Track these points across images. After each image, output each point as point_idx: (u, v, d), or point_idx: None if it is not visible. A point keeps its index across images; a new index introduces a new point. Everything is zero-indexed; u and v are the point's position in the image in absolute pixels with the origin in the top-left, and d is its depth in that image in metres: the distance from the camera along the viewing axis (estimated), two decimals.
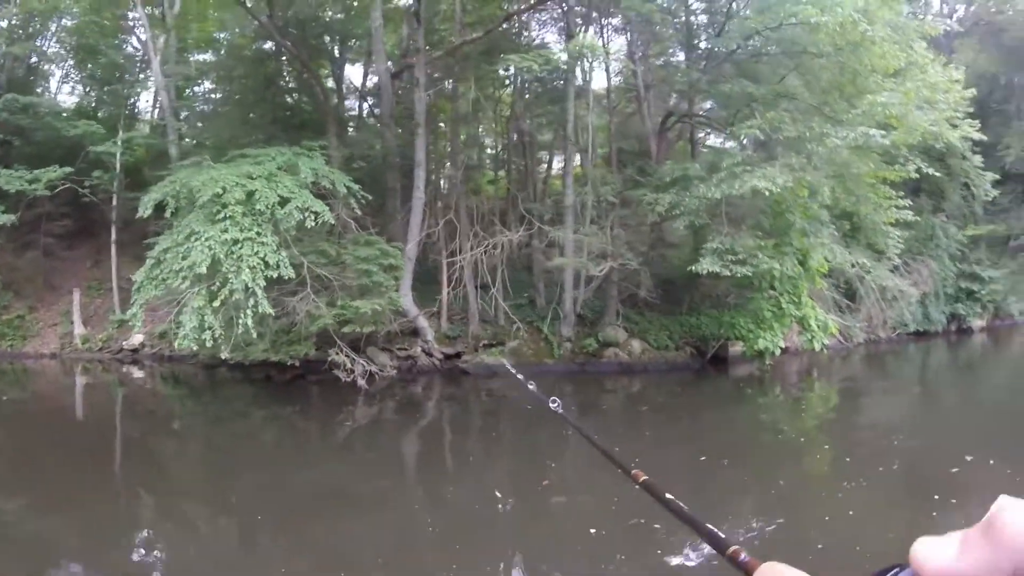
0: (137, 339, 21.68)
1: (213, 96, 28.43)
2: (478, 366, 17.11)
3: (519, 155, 21.56)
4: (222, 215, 11.59)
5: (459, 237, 17.42)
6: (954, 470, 9.10)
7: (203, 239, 11.31)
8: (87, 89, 29.95)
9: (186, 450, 12.35)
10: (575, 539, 7.35)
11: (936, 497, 8.03)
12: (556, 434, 12.84)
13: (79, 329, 22.39)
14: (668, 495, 1.34)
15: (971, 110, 16.95)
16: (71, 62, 30.19)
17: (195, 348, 11.90)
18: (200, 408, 16.73)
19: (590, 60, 17.49)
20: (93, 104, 29.02)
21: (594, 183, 17.09)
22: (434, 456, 11.73)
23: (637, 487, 1.47)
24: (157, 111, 30.07)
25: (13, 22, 26.28)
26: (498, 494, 8.90)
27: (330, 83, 22.00)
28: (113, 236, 23.18)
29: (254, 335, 11.85)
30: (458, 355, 17.46)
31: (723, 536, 1.05)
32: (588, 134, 18.25)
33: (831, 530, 7.13)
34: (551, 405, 2.15)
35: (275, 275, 11.61)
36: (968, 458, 9.51)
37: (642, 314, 18.65)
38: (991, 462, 9.31)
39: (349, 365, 14.27)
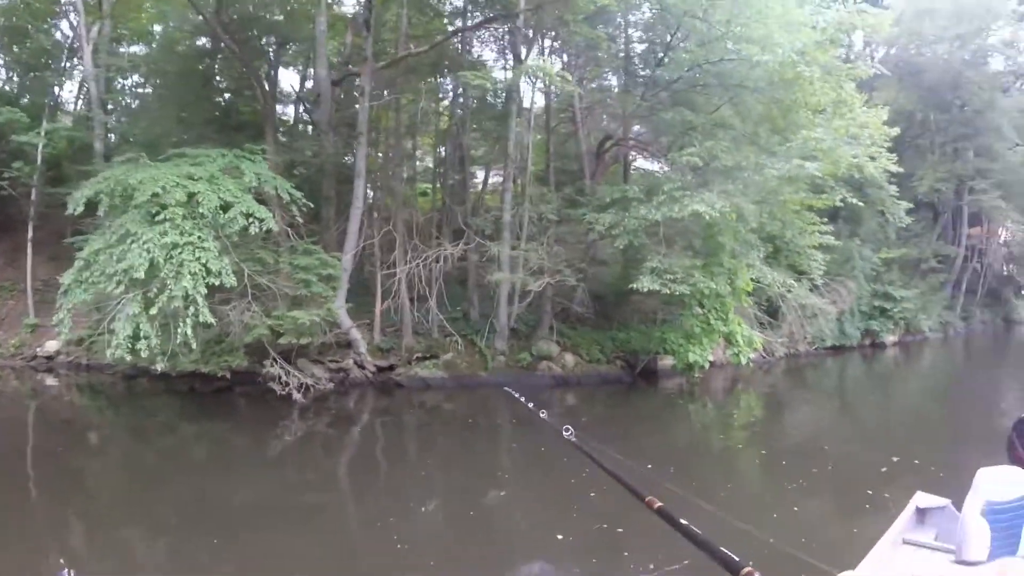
0: (52, 346, 20.70)
1: (141, 91, 27.59)
2: (412, 379, 17.21)
3: (454, 169, 21.76)
4: (161, 217, 11.33)
5: (396, 249, 17.46)
6: (883, 469, 10.01)
7: (140, 242, 11.03)
8: (9, 74, 28.49)
9: (109, 466, 11.80)
10: (526, 548, 7.60)
11: (870, 492, 8.79)
12: (493, 447, 13.15)
13: None
14: (683, 520, 1.44)
15: (889, 144, 18.24)
16: None
17: (128, 358, 11.49)
18: (122, 421, 16.11)
19: (534, 80, 17.95)
20: (15, 91, 27.57)
21: (533, 200, 17.54)
22: (370, 469, 11.72)
23: (653, 512, 1.64)
24: (81, 103, 28.97)
25: None
26: (424, 509, 9.05)
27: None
28: (30, 234, 22.07)
29: (193, 345, 11.57)
30: (391, 367, 17.51)
31: (736, 559, 1.10)
32: (528, 152, 18.67)
33: (783, 526, 7.75)
34: (564, 434, 2.12)
35: (217, 282, 11.39)
36: (894, 459, 10.52)
37: (574, 328, 19.25)
38: (916, 461, 10.39)
39: (284, 377, 14.06)
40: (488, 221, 17.74)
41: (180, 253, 11.11)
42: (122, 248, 11.27)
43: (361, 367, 16.85)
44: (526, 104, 19.53)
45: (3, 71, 29.23)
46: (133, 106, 26.94)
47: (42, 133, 22.62)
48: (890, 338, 28.95)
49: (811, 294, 22.72)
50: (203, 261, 11.19)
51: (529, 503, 9.28)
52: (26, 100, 25.80)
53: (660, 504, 1.60)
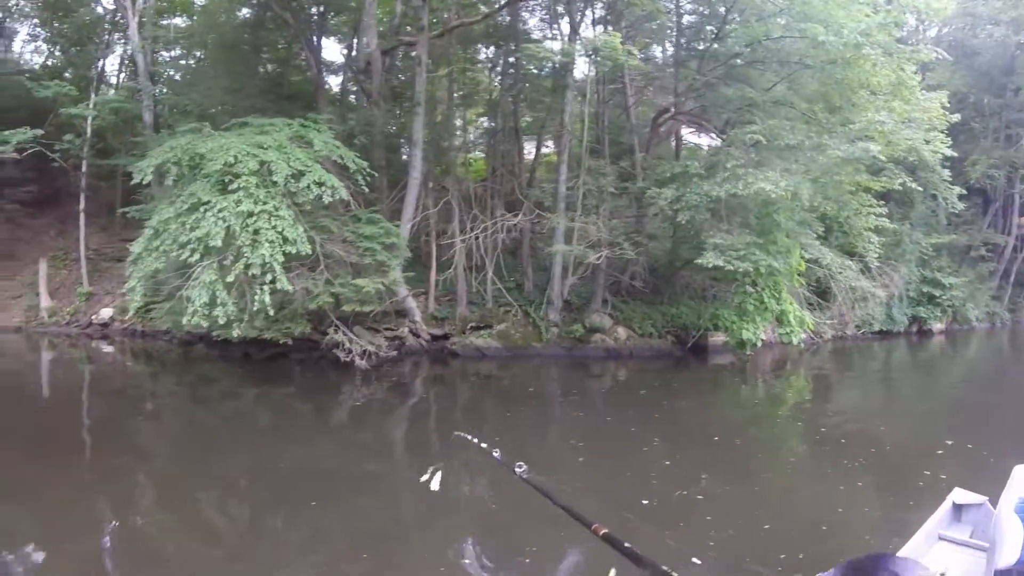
0: (106, 313, 21.05)
1: (184, 63, 27.62)
2: (467, 348, 17.27)
3: (505, 140, 21.56)
4: (235, 186, 11.33)
5: (453, 219, 17.40)
6: (939, 452, 9.90)
7: (215, 210, 11.04)
8: (53, 49, 28.64)
9: (173, 431, 11.80)
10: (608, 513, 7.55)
11: (927, 473, 8.66)
12: (547, 417, 13.12)
13: (45, 302, 21.58)
14: (627, 544, 1.55)
15: (944, 128, 17.85)
16: (35, 20, 28.94)
17: (205, 325, 11.56)
18: (182, 386, 16.34)
19: (589, 54, 17.66)
20: (59, 64, 27.77)
21: (591, 172, 17.32)
22: (432, 436, 11.78)
23: (600, 538, 1.73)
24: (123, 75, 29.13)
25: None
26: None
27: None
28: (82, 205, 22.33)
29: (271, 312, 11.63)
30: (445, 337, 17.59)
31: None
32: (582, 123, 18.45)
33: (836, 505, 7.63)
34: (517, 470, 2.21)
35: (293, 251, 11.41)
36: (948, 442, 10.36)
37: (626, 302, 19.14)
38: (969, 446, 10.16)
39: (348, 344, 14.10)
40: (546, 192, 17.55)
41: (255, 221, 11.14)
42: (195, 217, 11.31)
43: (416, 335, 16.93)
44: (577, 75, 19.23)
45: (46, 46, 29.60)
46: (176, 78, 26.99)
47: (91, 105, 22.82)
48: (937, 326, 28.36)
49: (862, 277, 22.35)
50: (279, 229, 11.19)
51: (608, 472, 9.19)
52: (70, 74, 26.01)
53: (606, 531, 1.77)
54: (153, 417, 13.07)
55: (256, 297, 11.25)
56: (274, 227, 11.19)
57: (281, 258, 11.22)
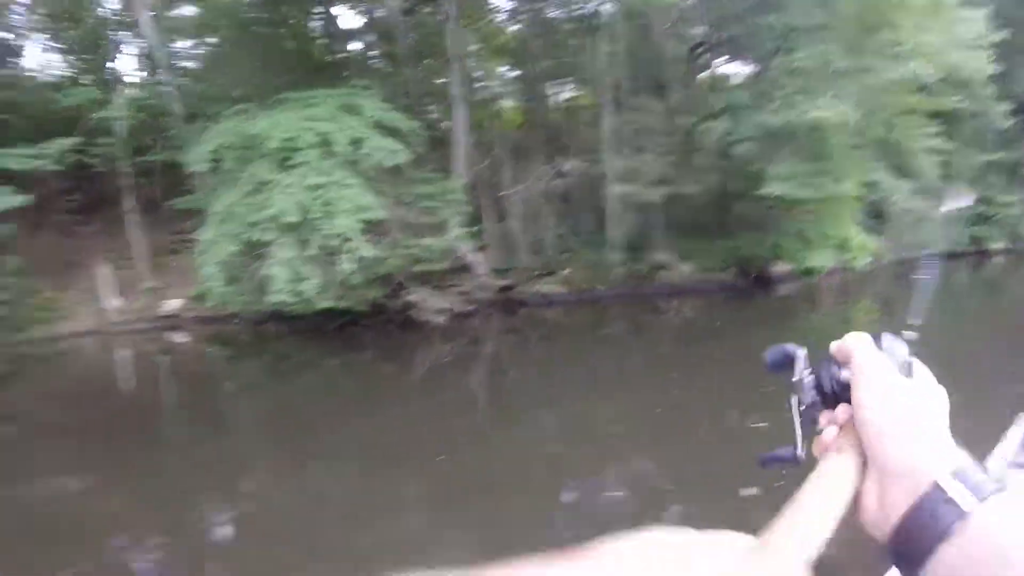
0: (173, 304, 21.19)
1: (199, 51, 27.11)
2: (534, 296, 17.09)
3: (538, 87, 20.84)
4: (297, 161, 11.09)
5: (503, 170, 17.01)
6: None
7: (282, 186, 10.83)
8: (66, 58, 28.30)
9: (265, 407, 11.75)
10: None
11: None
12: (632, 357, 12.91)
13: (111, 303, 21.74)
14: None
15: (986, 46, 17.07)
16: (43, 35, 28.62)
17: (292, 301, 11.48)
18: (264, 364, 16.45)
19: None
20: (76, 72, 27.52)
21: (640, 110, 16.71)
22: (519, 388, 11.65)
23: None
24: (143, 72, 28.82)
25: None
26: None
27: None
28: (129, 204, 22.33)
29: (355, 280, 11.52)
30: (511, 287, 17.39)
31: None
32: (618, 61, 17.71)
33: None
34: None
35: (369, 217, 11.20)
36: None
37: (685, 238, 18.60)
38: None
39: (423, 303, 13.98)
40: (591, 135, 17.00)
41: (325, 193, 10.91)
42: (263, 196, 11.11)
43: (482, 289, 16.73)
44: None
45: (58, 56, 29.26)
46: (191, 67, 26.55)
47: (120, 106, 22.61)
48: (995, 245, 27.39)
49: (916, 198, 21.60)
50: (350, 198, 10.97)
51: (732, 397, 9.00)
52: (87, 80, 25.69)
53: None
54: (246, 396, 13.17)
55: (340, 267, 11.10)
56: (344, 196, 10.97)
57: (359, 226, 11.03)
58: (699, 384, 10.04)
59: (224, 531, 6.74)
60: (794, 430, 0.62)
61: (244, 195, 11.60)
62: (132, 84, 27.39)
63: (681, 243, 18.49)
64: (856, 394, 0.59)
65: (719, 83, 20.53)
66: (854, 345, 0.63)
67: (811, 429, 0.63)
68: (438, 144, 17.50)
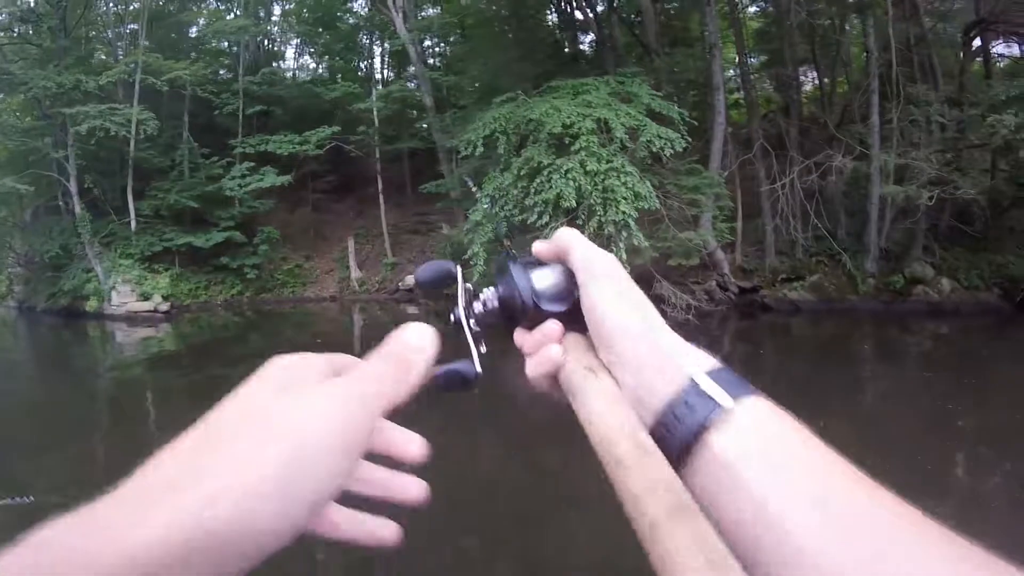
0: (411, 280, 22.32)
1: (448, 47, 28.39)
2: (780, 301, 15.69)
3: (791, 74, 19.07)
4: (576, 146, 10.80)
5: (758, 164, 15.74)
6: None
7: (561, 171, 10.59)
8: (321, 60, 31.02)
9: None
10: None
11: None
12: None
13: (355, 273, 23.50)
14: None
15: None
16: (297, 40, 31.71)
17: None
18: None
19: None
20: (334, 69, 30.02)
21: (916, 100, 14.64)
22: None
23: None
24: (389, 70, 30.90)
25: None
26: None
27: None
28: (380, 186, 23.91)
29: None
30: (754, 289, 16.09)
31: None
32: (889, 44, 15.68)
33: None
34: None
35: (645, 206, 10.70)
36: None
37: (947, 248, 16.07)
38: None
39: (673, 299, 13.24)
40: (863, 128, 15.15)
41: (604, 179, 10.52)
42: (539, 180, 10.95)
43: (724, 288, 15.66)
44: None
45: (311, 59, 32.28)
46: (437, 64, 27.86)
47: (375, 98, 24.21)
48: None
49: None
50: (629, 185, 10.50)
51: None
52: (339, 77, 27.79)
53: None
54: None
55: (614, 254, 10.68)
56: (624, 183, 10.51)
57: (635, 214, 10.54)
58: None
59: None
60: (469, 346, 0.54)
61: (517, 178, 11.55)
62: (385, 80, 29.57)
63: (943, 254, 16.03)
64: (589, 291, 0.51)
65: (988, 71, 17.56)
66: (570, 241, 0.55)
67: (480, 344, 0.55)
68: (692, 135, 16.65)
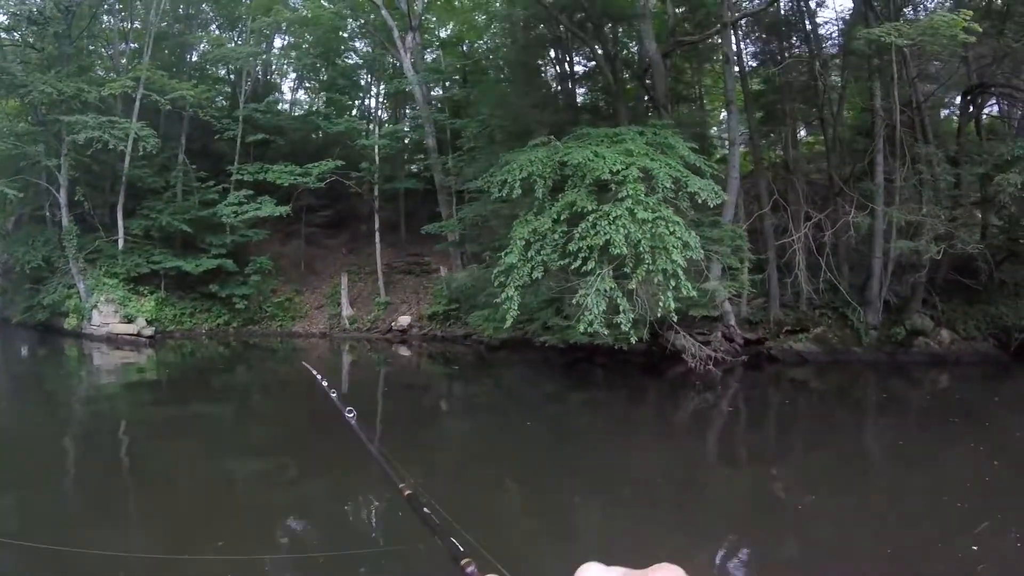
0: (404, 320, 21.69)
1: (437, 92, 28.42)
2: (786, 352, 15.68)
3: (782, 131, 19.51)
4: (622, 193, 10.63)
5: (765, 219, 15.90)
6: None
7: (610, 218, 10.37)
8: (320, 93, 30.62)
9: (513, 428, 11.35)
10: None
11: None
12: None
13: (347, 311, 22.67)
14: (426, 509, 1.54)
15: None
16: (293, 74, 31.34)
17: (605, 332, 10.96)
18: (502, 386, 16.20)
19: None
20: (327, 106, 29.56)
21: (921, 159, 15.08)
22: (766, 444, 10.41)
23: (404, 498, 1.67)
24: (386, 110, 30.64)
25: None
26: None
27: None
28: (376, 224, 23.31)
29: (675, 318, 10.87)
30: (759, 341, 16.06)
31: (461, 548, 1.19)
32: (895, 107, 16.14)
33: None
34: (347, 415, 2.14)
35: (692, 255, 10.54)
36: None
37: (946, 301, 16.51)
38: None
39: (692, 349, 13.07)
40: (873, 185, 15.46)
41: (652, 228, 10.35)
42: (584, 225, 10.71)
43: (730, 339, 15.55)
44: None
45: (305, 94, 31.85)
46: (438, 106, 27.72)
47: (375, 135, 23.88)
48: None
49: None
50: (678, 235, 10.35)
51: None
52: (332, 112, 27.28)
53: (410, 491, 1.69)
54: (463, 413, 13.41)
55: (661, 303, 10.45)
56: (673, 232, 10.35)
57: (684, 263, 10.37)
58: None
59: None
60: None
61: (555, 222, 11.30)
62: (378, 120, 29.22)
63: (941, 306, 16.40)
64: None
65: (978, 129, 18.32)
66: None
67: None
68: None
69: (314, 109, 28.96)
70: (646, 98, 18.46)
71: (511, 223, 15.98)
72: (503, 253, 11.87)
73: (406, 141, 24.21)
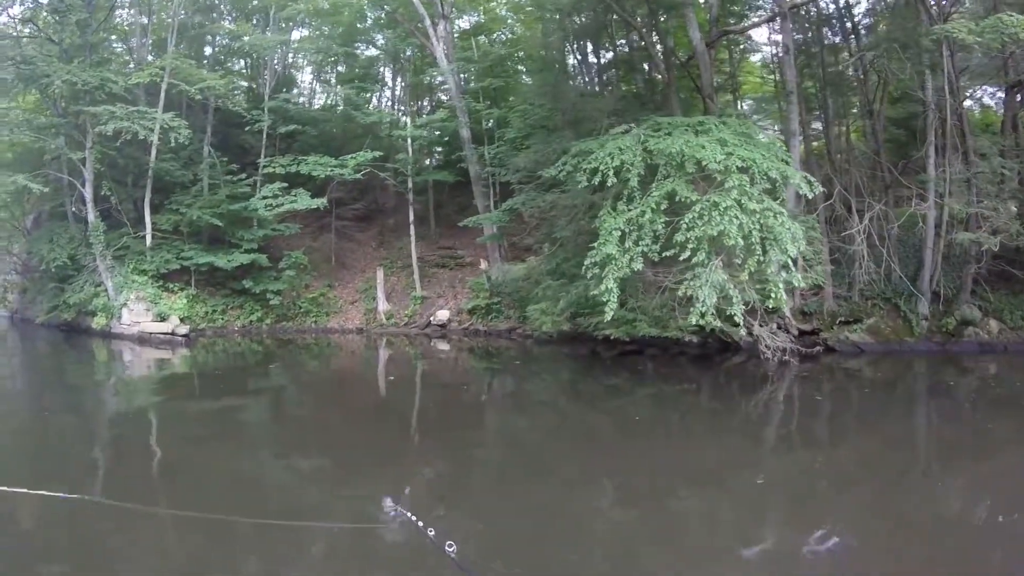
0: (443, 315, 21.13)
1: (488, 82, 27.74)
2: (843, 343, 15.52)
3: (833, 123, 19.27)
4: (729, 183, 10.31)
5: (838, 207, 15.70)
6: None
7: (720, 208, 10.05)
8: (332, 90, 29.78)
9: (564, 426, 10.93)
10: None
11: None
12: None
13: (383, 305, 22.02)
14: None
15: None
16: (310, 69, 30.55)
17: (717, 324, 10.64)
18: (574, 384, 15.56)
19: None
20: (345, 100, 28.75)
21: (979, 152, 15.02)
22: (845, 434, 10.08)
23: None
24: (395, 102, 29.91)
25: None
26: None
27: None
28: (411, 217, 22.70)
29: (787, 311, 10.59)
30: (813, 332, 15.86)
31: None
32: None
33: None
34: (447, 549, 2.29)
35: (800, 248, 10.29)
36: None
37: (995, 291, 16.56)
38: None
39: (768, 341, 12.84)
40: (926, 177, 15.32)
41: (761, 219, 10.05)
42: (690, 216, 10.37)
43: (785, 331, 15.33)
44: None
45: (320, 87, 31.00)
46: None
47: (410, 127, 23.25)
48: None
49: None
50: (787, 227, 10.08)
51: None
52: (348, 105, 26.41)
53: None
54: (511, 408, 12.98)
55: (773, 294, 10.20)
56: (782, 224, 10.09)
57: (795, 255, 10.12)
58: None
59: None
60: None
61: (650, 209, 10.90)
62: (402, 112, 28.47)
63: (989, 297, 16.44)
64: None
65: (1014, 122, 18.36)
66: None
67: None
68: None
69: (339, 100, 28.01)
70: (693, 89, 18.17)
71: (572, 214, 15.74)
72: (597, 243, 11.39)
73: (437, 132, 23.50)
